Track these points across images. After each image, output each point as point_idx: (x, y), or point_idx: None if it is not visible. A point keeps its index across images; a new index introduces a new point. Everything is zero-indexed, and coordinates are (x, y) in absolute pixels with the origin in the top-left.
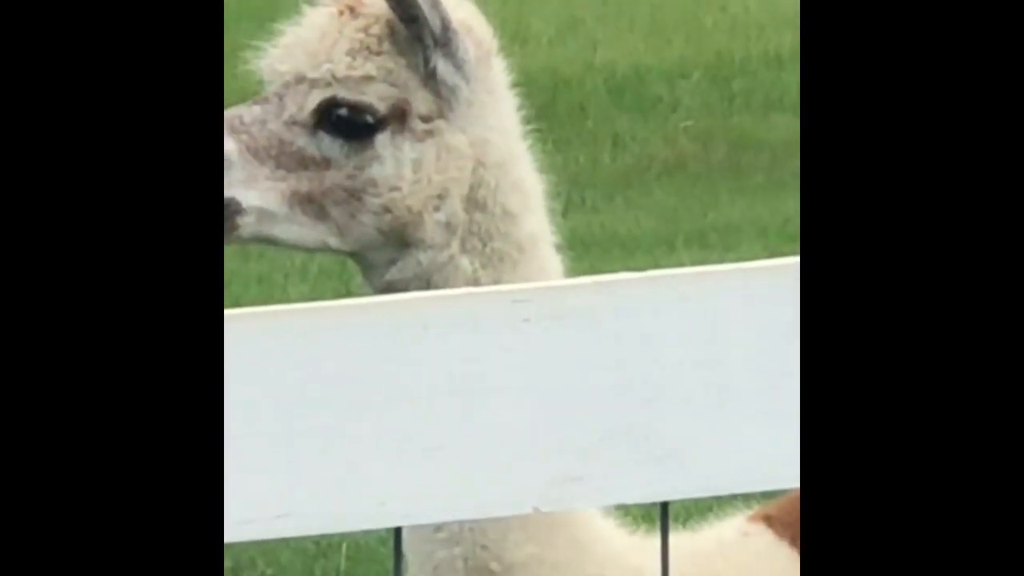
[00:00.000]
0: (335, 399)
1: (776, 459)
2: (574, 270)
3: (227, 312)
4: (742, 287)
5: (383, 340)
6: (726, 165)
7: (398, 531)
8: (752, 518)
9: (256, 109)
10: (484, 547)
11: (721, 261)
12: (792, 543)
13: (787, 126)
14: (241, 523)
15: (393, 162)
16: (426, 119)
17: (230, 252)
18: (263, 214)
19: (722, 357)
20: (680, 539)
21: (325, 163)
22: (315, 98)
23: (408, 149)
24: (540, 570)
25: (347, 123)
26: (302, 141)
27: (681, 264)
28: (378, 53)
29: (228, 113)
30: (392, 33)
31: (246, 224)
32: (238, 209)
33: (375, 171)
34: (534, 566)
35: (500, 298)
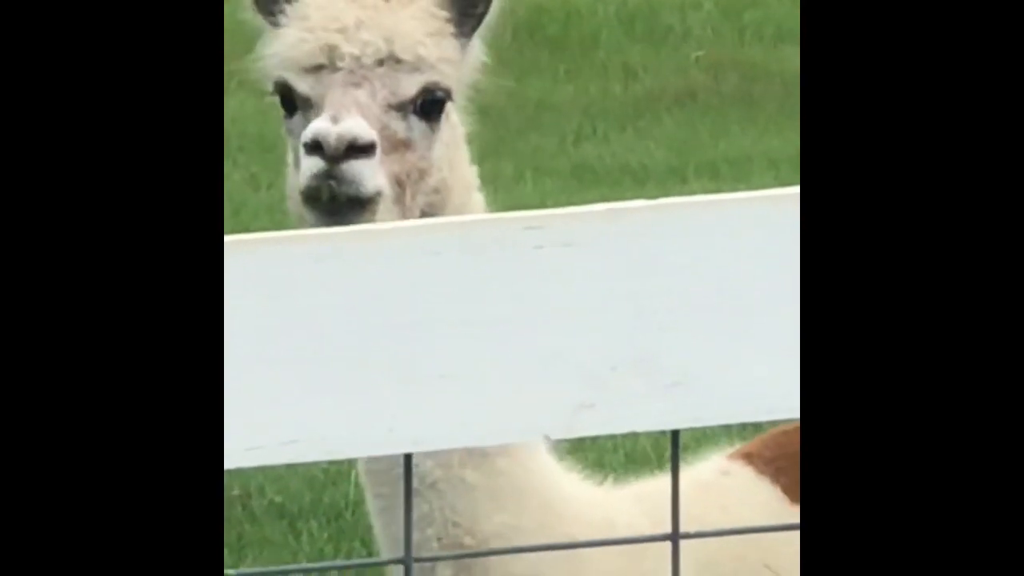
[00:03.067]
0: (345, 325)
1: (788, 388)
2: (585, 200)
3: (231, 238)
4: (754, 216)
5: (394, 266)
6: (737, 96)
7: (408, 457)
8: (731, 456)
9: (361, 92)
10: (456, 524)
11: (732, 192)
12: (774, 479)
13: (798, 57)
14: (249, 449)
15: (442, 144)
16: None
17: (239, 182)
18: (386, 199)
19: (734, 286)
20: (656, 482)
21: (408, 145)
22: (413, 83)
23: (446, 130)
24: (514, 538)
25: (434, 105)
26: (396, 124)
27: (692, 195)
28: (448, 34)
29: (345, 97)
30: (450, 11)
31: (380, 212)
32: (381, 195)
33: (435, 152)
34: (508, 535)
35: (512, 225)
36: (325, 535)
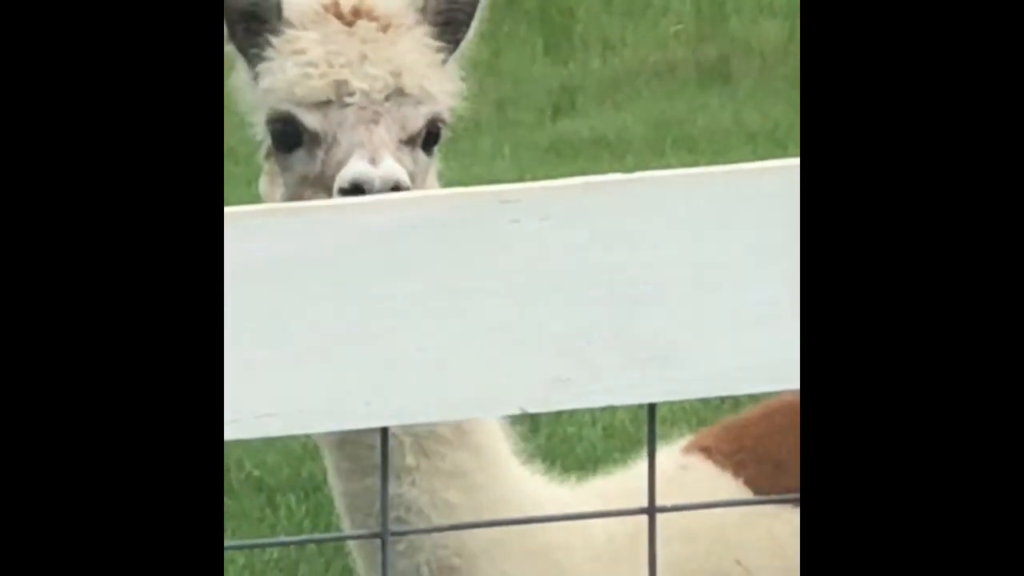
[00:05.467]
0: (321, 299)
1: (763, 362)
2: (563, 173)
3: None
4: (731, 189)
5: (372, 240)
6: (716, 70)
7: (384, 431)
8: (687, 449)
9: (381, 129)
10: (444, 546)
11: (710, 166)
12: (735, 474)
13: (777, 31)
14: (226, 423)
15: (433, 172)
16: None
17: None
18: None
19: (710, 259)
20: (614, 478)
21: (412, 178)
22: (419, 116)
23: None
24: (498, 552)
25: (436, 138)
26: (406, 159)
27: (670, 168)
28: (439, 63)
29: (373, 136)
30: (439, 40)
31: None
32: None
33: (429, 180)
34: (493, 550)
35: (489, 198)
36: (303, 509)
